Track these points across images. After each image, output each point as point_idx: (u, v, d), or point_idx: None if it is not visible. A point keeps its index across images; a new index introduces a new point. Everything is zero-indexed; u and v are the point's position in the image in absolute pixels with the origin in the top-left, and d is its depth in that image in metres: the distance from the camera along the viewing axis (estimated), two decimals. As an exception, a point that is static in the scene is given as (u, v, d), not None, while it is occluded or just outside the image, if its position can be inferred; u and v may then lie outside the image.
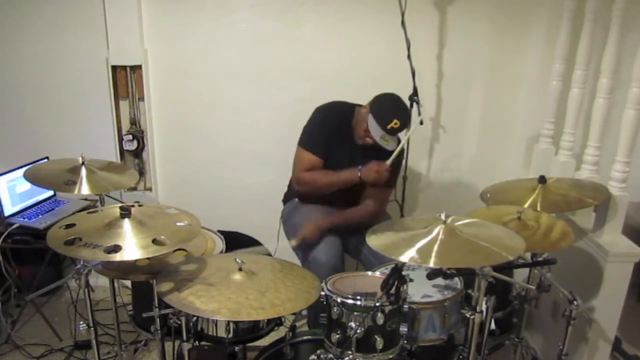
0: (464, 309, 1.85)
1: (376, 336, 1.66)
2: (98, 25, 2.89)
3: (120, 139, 3.07)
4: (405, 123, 2.34)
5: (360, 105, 2.49)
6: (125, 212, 1.72)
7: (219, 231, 2.29)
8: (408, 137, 2.35)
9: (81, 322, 1.94)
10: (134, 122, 3.07)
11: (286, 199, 2.73)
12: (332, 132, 2.46)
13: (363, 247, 2.46)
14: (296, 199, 2.63)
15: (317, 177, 2.46)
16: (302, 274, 1.84)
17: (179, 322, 1.79)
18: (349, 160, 2.47)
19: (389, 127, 2.29)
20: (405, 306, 1.71)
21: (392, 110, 2.32)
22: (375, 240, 1.72)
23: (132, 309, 2.39)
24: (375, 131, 2.30)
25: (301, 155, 2.48)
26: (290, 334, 2.01)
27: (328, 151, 2.46)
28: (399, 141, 2.41)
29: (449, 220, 1.70)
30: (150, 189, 3.19)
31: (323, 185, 2.46)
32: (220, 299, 1.61)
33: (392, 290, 1.65)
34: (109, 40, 2.91)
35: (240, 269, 1.73)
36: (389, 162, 2.34)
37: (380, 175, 2.35)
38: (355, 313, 1.67)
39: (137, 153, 3.11)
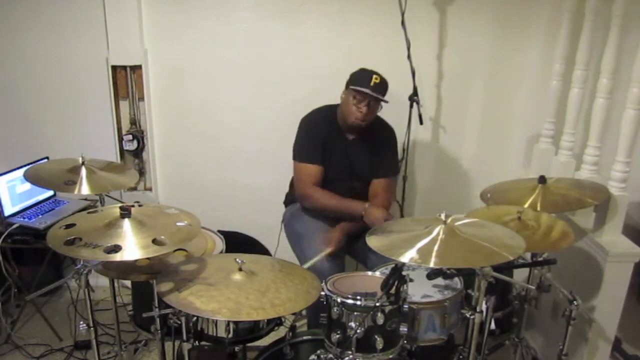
0: (464, 309, 1.85)
1: (376, 336, 1.66)
2: (98, 25, 2.89)
3: (120, 139, 3.07)
4: (383, 79, 2.40)
5: (340, 104, 2.52)
6: (125, 212, 1.72)
7: (219, 231, 2.29)
8: None
9: (81, 322, 1.94)
10: (134, 122, 3.07)
11: (287, 202, 2.73)
12: (324, 137, 2.47)
13: (370, 252, 2.46)
14: (298, 204, 2.64)
15: (321, 198, 2.48)
16: (302, 274, 1.84)
17: (179, 322, 1.79)
18: (347, 158, 2.50)
19: (372, 84, 2.35)
20: (405, 306, 1.71)
21: (366, 72, 2.41)
22: (375, 241, 1.72)
23: (132, 309, 2.38)
24: (365, 90, 2.34)
25: (301, 169, 2.49)
26: (290, 334, 2.01)
27: (324, 156, 2.47)
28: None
29: (449, 220, 1.70)
30: (150, 189, 3.19)
31: (326, 207, 2.48)
32: (220, 299, 1.61)
33: (392, 290, 1.65)
34: (109, 40, 2.91)
35: (240, 269, 1.73)
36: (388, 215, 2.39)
37: (380, 219, 2.35)
38: (355, 313, 1.66)
39: (137, 153, 3.11)
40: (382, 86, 2.39)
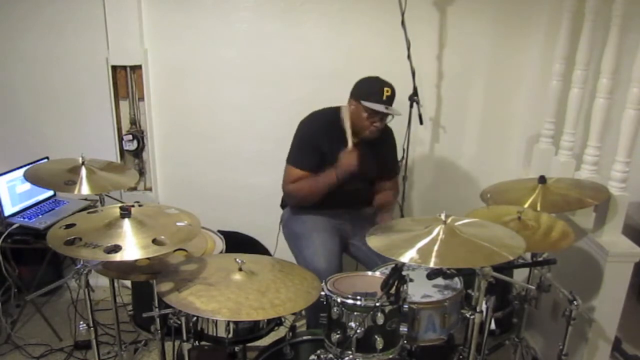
0: (464, 309, 1.85)
1: (376, 336, 1.66)
2: (98, 25, 2.89)
3: (120, 139, 3.07)
4: (393, 87, 2.38)
5: (340, 106, 2.50)
6: (125, 212, 1.72)
7: (219, 231, 2.29)
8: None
9: (81, 322, 1.94)
10: (134, 122, 3.07)
11: (284, 204, 2.73)
12: (323, 143, 2.45)
13: (366, 247, 2.46)
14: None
15: (299, 186, 2.46)
16: (302, 274, 1.84)
17: (179, 322, 1.79)
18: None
19: (384, 97, 2.33)
20: (405, 306, 1.71)
21: (376, 84, 2.37)
22: (375, 241, 1.72)
23: (132, 309, 2.39)
24: (378, 107, 2.32)
25: (288, 170, 2.50)
26: (290, 334, 2.01)
27: (323, 162, 2.44)
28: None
29: (449, 220, 1.70)
30: (150, 189, 3.19)
31: (308, 191, 2.46)
32: (220, 299, 1.61)
33: (392, 290, 1.65)
34: (109, 40, 2.91)
35: (240, 269, 1.73)
36: (349, 145, 2.35)
37: (349, 160, 2.33)
38: (355, 313, 1.66)
39: (137, 153, 3.11)
40: (393, 96, 2.37)
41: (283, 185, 2.55)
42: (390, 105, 2.37)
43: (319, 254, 2.36)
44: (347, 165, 2.36)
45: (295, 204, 2.59)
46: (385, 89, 2.33)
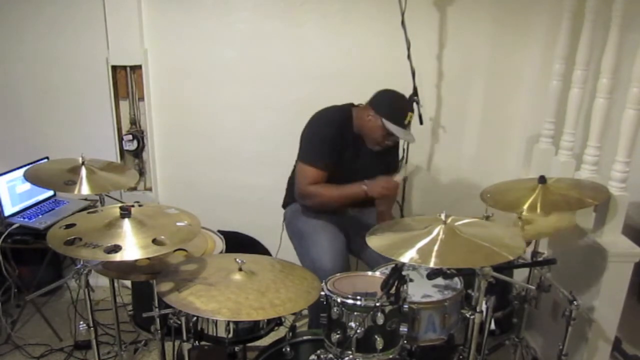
0: (464, 309, 1.85)
1: (376, 336, 1.66)
2: (98, 25, 2.89)
3: (120, 139, 3.07)
4: (414, 111, 2.41)
5: (353, 105, 2.49)
6: (125, 212, 1.72)
7: (219, 231, 2.29)
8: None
9: (81, 322, 1.94)
10: (134, 122, 3.07)
11: (286, 204, 2.72)
12: (335, 141, 2.42)
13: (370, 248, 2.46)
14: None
15: (322, 191, 2.41)
16: (302, 274, 1.84)
17: (179, 322, 1.79)
18: (362, 163, 2.47)
19: (405, 122, 2.35)
20: (405, 306, 1.71)
21: (401, 105, 2.38)
22: (375, 241, 1.72)
23: (132, 309, 2.39)
24: (398, 132, 2.33)
25: (304, 170, 2.43)
26: (290, 334, 2.01)
27: (335, 160, 2.42)
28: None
29: (449, 220, 1.70)
30: (150, 189, 3.19)
31: (328, 200, 2.43)
32: (220, 299, 1.61)
33: (392, 290, 1.65)
34: (109, 40, 2.91)
35: (240, 269, 1.73)
36: (398, 177, 2.31)
37: (389, 191, 2.32)
38: (355, 313, 1.66)
39: (137, 153, 3.11)
40: (411, 120, 2.39)
41: (300, 186, 2.46)
42: (409, 129, 2.39)
43: (325, 254, 2.33)
44: (382, 193, 2.33)
45: (310, 207, 2.50)
46: (409, 114, 2.35)
